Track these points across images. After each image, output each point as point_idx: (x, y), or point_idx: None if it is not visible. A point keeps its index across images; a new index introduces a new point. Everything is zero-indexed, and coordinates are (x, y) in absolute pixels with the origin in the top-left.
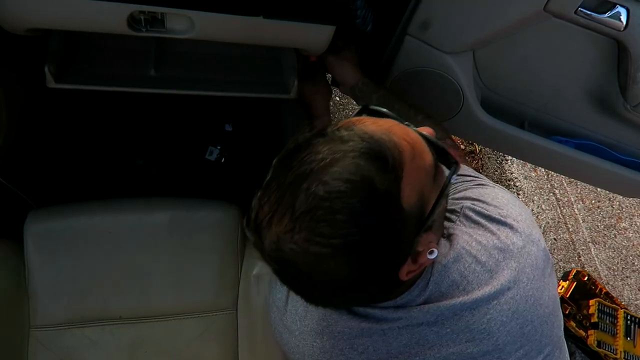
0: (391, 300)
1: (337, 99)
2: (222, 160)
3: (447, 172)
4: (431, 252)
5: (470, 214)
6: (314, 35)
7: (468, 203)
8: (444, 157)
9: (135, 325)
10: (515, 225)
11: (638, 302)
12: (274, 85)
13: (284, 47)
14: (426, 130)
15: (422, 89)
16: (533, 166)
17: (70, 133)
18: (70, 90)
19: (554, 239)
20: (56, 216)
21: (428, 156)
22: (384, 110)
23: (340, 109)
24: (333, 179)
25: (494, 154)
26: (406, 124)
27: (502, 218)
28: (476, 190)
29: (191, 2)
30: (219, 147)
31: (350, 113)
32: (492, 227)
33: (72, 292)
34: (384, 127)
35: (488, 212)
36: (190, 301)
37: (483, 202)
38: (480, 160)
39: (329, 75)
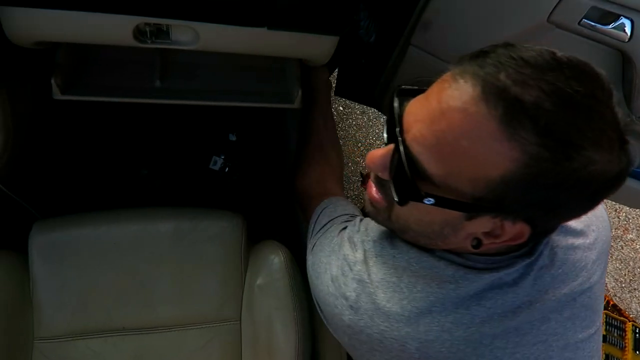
0: None
1: (341, 108)
2: (226, 170)
3: None
4: None
5: None
6: (318, 46)
7: None
8: None
9: (139, 337)
10: None
11: None
12: (278, 95)
13: (287, 58)
14: None
15: None
16: None
17: (76, 144)
18: (76, 102)
19: None
20: (61, 227)
21: None
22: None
23: (344, 119)
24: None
25: None
26: None
27: None
28: None
29: (196, 14)
30: (222, 157)
31: (353, 122)
32: None
33: (76, 303)
34: None
35: None
36: (193, 312)
37: None
38: None
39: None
